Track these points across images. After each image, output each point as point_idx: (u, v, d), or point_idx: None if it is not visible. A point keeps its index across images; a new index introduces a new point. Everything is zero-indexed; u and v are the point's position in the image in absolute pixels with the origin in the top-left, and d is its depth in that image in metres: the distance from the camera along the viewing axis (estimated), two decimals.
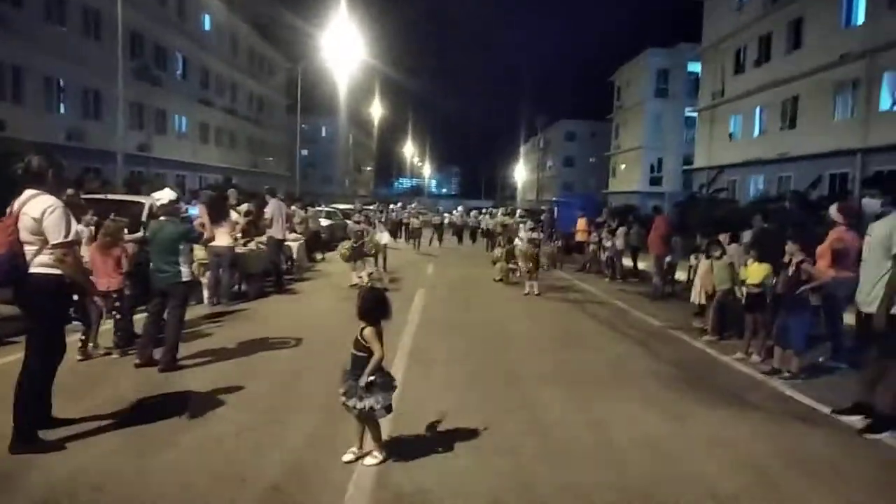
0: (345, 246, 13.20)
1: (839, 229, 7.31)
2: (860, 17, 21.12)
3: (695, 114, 36.48)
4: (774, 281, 7.51)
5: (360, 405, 4.08)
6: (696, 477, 4.23)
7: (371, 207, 30.72)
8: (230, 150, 40.80)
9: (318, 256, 18.41)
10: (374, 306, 4.22)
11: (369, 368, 4.06)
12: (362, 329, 4.17)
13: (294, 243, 14.69)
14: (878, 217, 5.23)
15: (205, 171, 35.21)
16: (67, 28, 23.68)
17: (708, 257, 9.25)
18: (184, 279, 6.32)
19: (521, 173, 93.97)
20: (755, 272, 7.59)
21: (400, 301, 3.94)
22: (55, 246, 4.15)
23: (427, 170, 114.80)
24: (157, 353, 6.33)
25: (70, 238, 4.24)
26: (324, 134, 67.27)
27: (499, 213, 26.92)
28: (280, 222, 12.29)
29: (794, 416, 5.57)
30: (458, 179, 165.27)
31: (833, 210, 7.48)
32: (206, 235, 6.91)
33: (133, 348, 6.79)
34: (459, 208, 34.27)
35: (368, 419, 4.18)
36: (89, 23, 24.98)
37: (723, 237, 9.65)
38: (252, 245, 11.85)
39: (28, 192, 4.30)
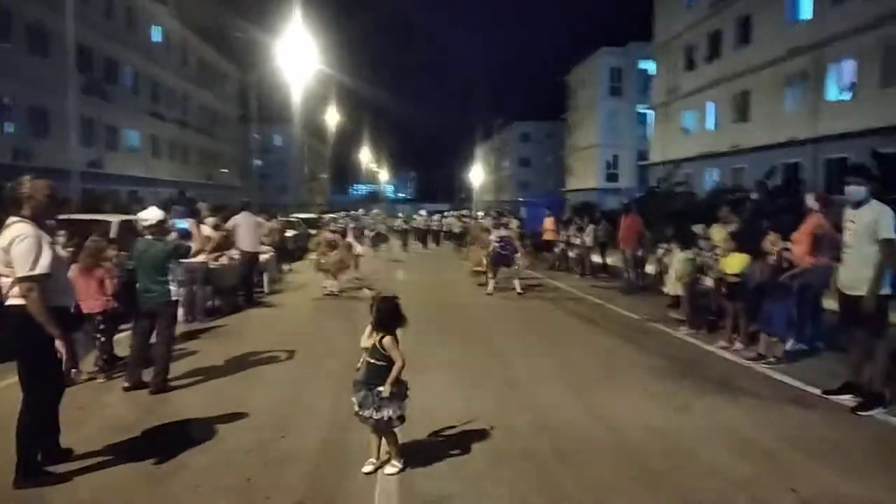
0: (327, 256, 13.08)
1: (817, 216, 7.55)
2: (806, 13, 21.93)
3: (648, 110, 37.31)
4: (752, 270, 7.75)
5: (377, 416, 4.05)
6: (710, 465, 4.33)
7: (335, 215, 30.44)
8: (183, 163, 39.96)
9: (286, 267, 18.15)
10: (390, 315, 4.20)
11: (392, 377, 4.04)
12: (381, 338, 4.13)
13: (264, 255, 14.43)
14: (858, 204, 5.42)
15: (158, 186, 34.33)
16: (11, 45, 22.87)
17: (683, 249, 9.48)
18: (173, 298, 6.16)
19: (477, 175, 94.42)
20: (734, 262, 7.79)
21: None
22: (20, 279, 3.89)
23: (384, 175, 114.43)
24: (146, 375, 6.16)
25: (36, 272, 3.90)
26: (278, 143, 66.37)
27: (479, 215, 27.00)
28: (252, 235, 12.10)
29: (788, 399, 5.74)
30: (415, 183, 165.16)
31: (809, 198, 7.75)
32: (194, 248, 6.73)
33: (116, 371, 6.61)
34: (422, 212, 34.19)
35: (385, 429, 4.15)
36: (34, 39, 24.20)
37: (697, 228, 9.90)
38: (224, 259, 11.61)
39: (9, 220, 4.10)
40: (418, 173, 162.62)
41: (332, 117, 66.07)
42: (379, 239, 25.42)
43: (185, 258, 7.13)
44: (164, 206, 11.60)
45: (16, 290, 3.97)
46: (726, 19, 26.45)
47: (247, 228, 12.05)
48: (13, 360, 4.26)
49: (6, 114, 23.35)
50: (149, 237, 6.20)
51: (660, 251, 13.45)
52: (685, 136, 30.90)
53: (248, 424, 5.17)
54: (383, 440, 4.21)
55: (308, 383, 6.42)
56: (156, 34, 36.30)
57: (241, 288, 12.05)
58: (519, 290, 12.91)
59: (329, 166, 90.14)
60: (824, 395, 5.72)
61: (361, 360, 4.23)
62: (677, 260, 9.68)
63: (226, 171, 47.59)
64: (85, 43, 25.92)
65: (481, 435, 4.86)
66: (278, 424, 5.14)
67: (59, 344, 4.01)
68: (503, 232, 13.75)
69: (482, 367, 7.15)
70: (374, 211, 41.08)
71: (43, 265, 3.96)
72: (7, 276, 3.99)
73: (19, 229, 3.98)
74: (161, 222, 6.29)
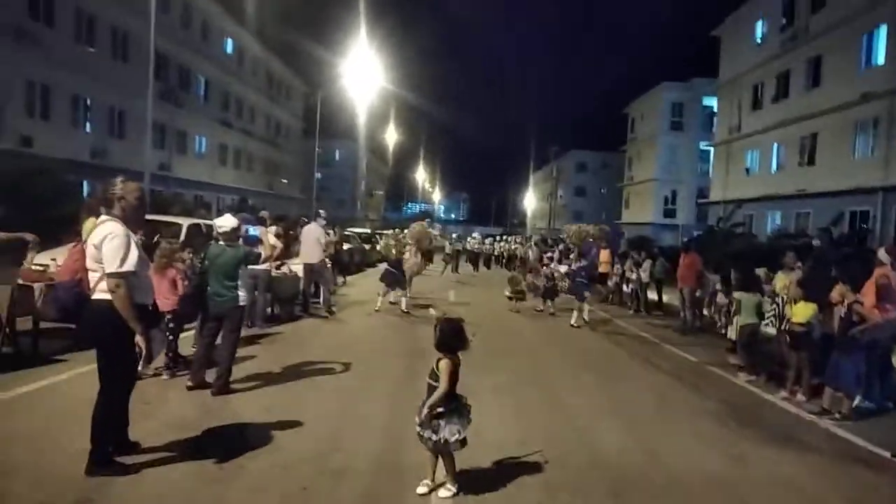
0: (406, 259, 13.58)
1: (885, 268, 7.31)
2: (881, 58, 21.31)
3: (710, 147, 36.70)
4: (819, 319, 7.53)
5: (435, 437, 4.07)
6: None
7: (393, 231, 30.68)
8: (247, 171, 41.14)
9: (341, 280, 18.47)
10: (450, 337, 4.22)
11: (431, 401, 4.08)
12: (438, 360, 4.17)
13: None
14: None
15: (222, 192, 35.48)
16: (96, 49, 24.07)
17: (746, 293, 9.26)
18: (241, 303, 6.36)
19: (530, 201, 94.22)
20: (801, 311, 7.58)
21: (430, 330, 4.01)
22: (108, 275, 4.07)
23: (437, 195, 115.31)
24: (208, 376, 6.35)
25: (124, 269, 4.09)
26: (338, 158, 67.76)
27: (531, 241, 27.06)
28: (315, 248, 12.21)
29: (854, 459, 5.52)
30: (467, 205, 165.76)
31: (882, 252, 7.50)
32: (264, 254, 6.95)
33: (181, 370, 6.84)
34: (476, 234, 34.15)
35: (443, 451, 4.16)
36: (117, 44, 25.42)
37: (760, 271, 9.68)
38: (284, 268, 11.90)
39: (100, 218, 4.32)
40: (471, 195, 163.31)
41: (392, 136, 67.24)
42: (445, 260, 25.83)
43: (254, 265, 7.34)
44: (234, 212, 12.03)
45: (103, 284, 4.16)
46: (797, 60, 25.87)
47: (312, 241, 12.22)
48: (90, 349, 4.46)
49: (87, 114, 24.51)
50: (222, 243, 6.42)
51: (720, 293, 13.17)
52: (747, 176, 30.22)
53: (304, 433, 5.27)
54: (440, 462, 4.23)
55: (363, 396, 6.52)
56: (228, 46, 37.68)
57: (299, 297, 12.32)
58: (574, 322, 12.83)
59: (385, 183, 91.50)
60: (894, 458, 5.49)
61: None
62: (740, 303, 9.47)
63: (286, 181, 48.77)
64: (162, 51, 27.11)
65: (534, 466, 4.83)
66: (333, 435, 5.23)
67: (138, 339, 4.18)
68: (583, 262, 13.73)
69: (532, 395, 7.11)
70: (435, 231, 41.29)
71: (131, 263, 4.15)
72: (95, 271, 4.20)
73: (111, 227, 4.18)
74: (235, 230, 6.51)
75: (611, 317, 14.85)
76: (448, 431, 4.07)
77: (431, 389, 4.17)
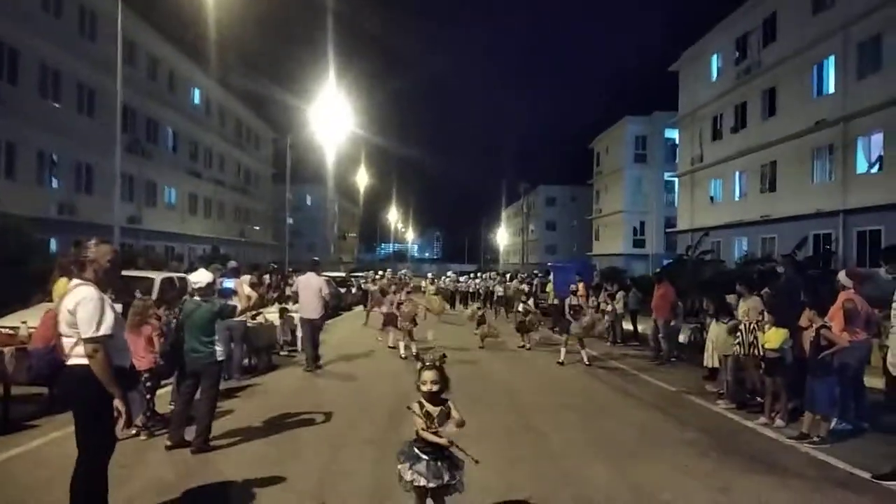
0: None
1: (849, 291, 7.53)
2: (830, 87, 22.23)
3: (674, 178, 37.56)
4: (790, 344, 7.69)
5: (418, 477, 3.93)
6: None
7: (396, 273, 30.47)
8: (218, 220, 40.91)
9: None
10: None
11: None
12: (446, 402, 4.03)
13: (297, 315, 14.58)
14: None
15: (193, 242, 35.18)
16: (62, 104, 23.98)
17: (718, 321, 9.44)
18: (218, 358, 6.30)
19: (503, 237, 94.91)
20: (773, 337, 7.74)
21: (409, 373, 3.93)
22: (85, 341, 4.00)
23: (410, 234, 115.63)
24: (187, 434, 6.23)
25: (101, 333, 4.02)
26: (309, 202, 67.86)
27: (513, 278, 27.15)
28: (316, 301, 11.46)
29: (835, 482, 5.60)
30: (441, 244, 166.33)
31: (842, 275, 7.74)
32: (240, 306, 6.91)
33: (158, 428, 6.71)
34: (451, 273, 34.26)
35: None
36: (83, 99, 25.35)
37: (731, 298, 9.86)
38: (260, 318, 11.79)
39: (73, 282, 4.26)
40: (444, 233, 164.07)
41: (362, 178, 67.64)
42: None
43: (231, 318, 7.28)
44: (206, 264, 11.73)
45: (78, 349, 4.11)
46: (752, 91, 26.84)
47: (312, 294, 11.48)
48: (62, 413, 4.37)
49: (54, 169, 24.27)
50: (197, 298, 6.38)
51: (693, 322, 13.38)
52: (712, 205, 30.95)
53: (288, 488, 5.18)
54: None
55: (346, 447, 6.44)
56: (196, 97, 37.81)
57: (275, 346, 12.12)
58: (562, 359, 12.75)
59: (358, 225, 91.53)
60: (874, 480, 5.58)
61: None
62: (714, 331, 9.63)
63: (258, 228, 48.57)
64: (129, 104, 27.09)
65: None
66: (317, 491, 5.15)
67: (117, 403, 4.11)
68: (574, 300, 13.53)
69: (516, 437, 7.09)
70: (402, 271, 41.34)
71: (107, 326, 4.08)
72: (70, 337, 4.14)
73: (84, 292, 4.12)
74: (210, 284, 6.48)
75: (589, 350, 14.88)
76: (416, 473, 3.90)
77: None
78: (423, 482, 3.79)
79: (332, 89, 39.41)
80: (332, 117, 39.59)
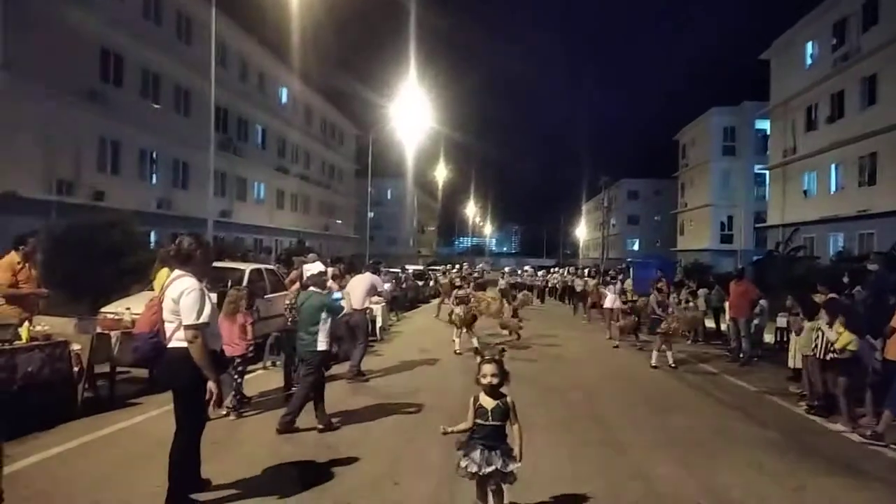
0: (456, 312, 13.31)
1: None
2: None
3: (765, 171, 35.96)
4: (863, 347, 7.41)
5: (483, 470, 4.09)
6: None
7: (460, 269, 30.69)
8: (303, 213, 42.49)
9: (394, 317, 18.89)
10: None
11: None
12: (504, 397, 4.18)
13: (377, 306, 15.05)
14: None
15: (280, 235, 36.70)
16: (161, 105, 25.55)
17: (807, 319, 9.10)
18: (319, 349, 6.69)
19: (582, 231, 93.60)
20: (839, 339, 7.47)
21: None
22: (186, 327, 4.42)
23: (488, 228, 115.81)
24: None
25: (200, 321, 4.44)
26: (389, 196, 69.12)
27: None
28: (364, 297, 11.30)
29: None
30: (519, 238, 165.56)
31: None
32: (346, 308, 7.42)
33: (245, 410, 7.21)
34: (527, 268, 34.21)
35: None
36: (180, 99, 26.95)
37: (818, 297, 9.48)
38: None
39: (174, 273, 4.69)
40: (522, 227, 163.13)
41: (442, 172, 68.31)
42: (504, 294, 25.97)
43: (337, 315, 7.67)
44: (288, 256, 12.20)
45: (179, 334, 4.54)
46: (850, 79, 25.33)
47: (361, 291, 11.45)
48: (162, 392, 4.81)
49: (153, 166, 25.93)
50: (311, 288, 6.88)
51: (781, 320, 12.87)
52: (806, 199, 29.43)
53: (363, 468, 5.49)
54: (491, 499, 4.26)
55: (417, 432, 6.70)
56: (283, 96, 39.33)
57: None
58: (654, 363, 11.91)
59: (437, 219, 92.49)
60: None
61: None
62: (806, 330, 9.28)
63: (340, 221, 50.05)
64: (222, 104, 28.55)
65: (590, 502, 4.90)
66: (391, 471, 5.43)
67: (210, 384, 4.52)
68: (659, 297, 12.84)
69: (587, 429, 7.16)
70: (480, 265, 41.57)
71: (205, 315, 4.53)
72: (172, 322, 4.59)
73: (187, 283, 4.57)
74: (322, 273, 7.04)
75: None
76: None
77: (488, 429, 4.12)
78: (474, 469, 3.99)
79: (412, 86, 40.11)
80: (412, 113, 40.32)
